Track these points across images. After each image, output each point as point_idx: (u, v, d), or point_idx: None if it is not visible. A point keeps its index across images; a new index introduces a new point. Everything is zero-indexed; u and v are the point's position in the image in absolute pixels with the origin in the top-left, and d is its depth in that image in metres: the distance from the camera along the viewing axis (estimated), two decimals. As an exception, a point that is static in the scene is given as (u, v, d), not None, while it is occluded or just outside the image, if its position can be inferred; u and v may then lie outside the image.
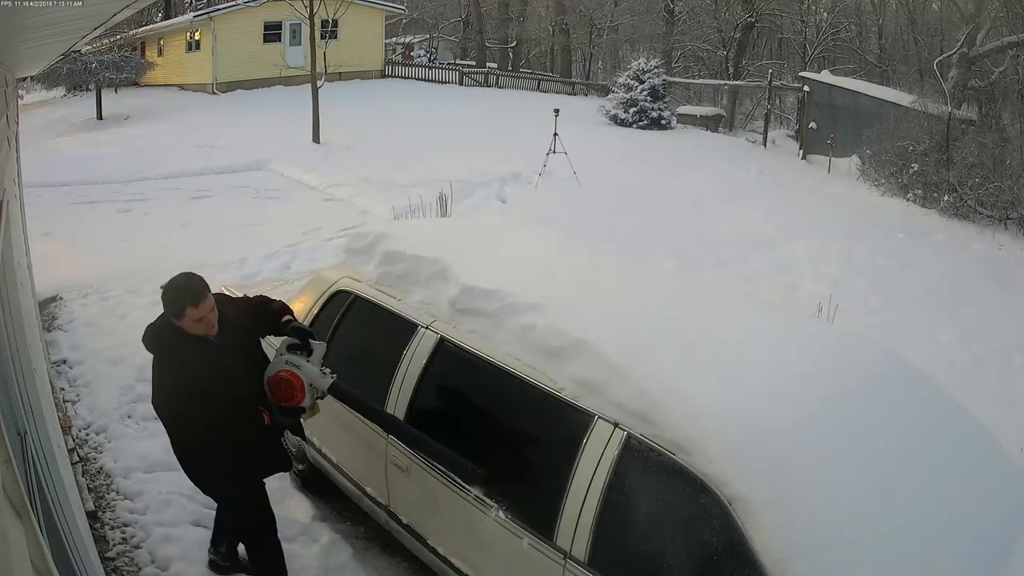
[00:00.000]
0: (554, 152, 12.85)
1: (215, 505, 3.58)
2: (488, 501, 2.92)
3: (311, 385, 3.09)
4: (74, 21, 3.21)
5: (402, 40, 33.96)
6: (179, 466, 3.22)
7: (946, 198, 13.51)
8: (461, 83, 26.58)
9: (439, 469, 3.12)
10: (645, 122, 19.47)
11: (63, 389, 5.28)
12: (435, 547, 3.21)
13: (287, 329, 3.22)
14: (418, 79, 26.54)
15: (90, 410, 5.00)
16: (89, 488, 4.15)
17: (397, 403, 3.35)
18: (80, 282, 7.33)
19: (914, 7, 30.58)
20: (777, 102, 26.20)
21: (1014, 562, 2.44)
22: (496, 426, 3.15)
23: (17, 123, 5.59)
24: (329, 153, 14.61)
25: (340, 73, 21.66)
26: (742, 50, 28.41)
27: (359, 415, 3.30)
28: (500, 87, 27.11)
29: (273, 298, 3.49)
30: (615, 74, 25.42)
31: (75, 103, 21.84)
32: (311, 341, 3.19)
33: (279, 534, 3.39)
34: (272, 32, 23.35)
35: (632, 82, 19.88)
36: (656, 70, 20.29)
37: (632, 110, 19.63)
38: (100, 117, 19.07)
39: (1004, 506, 2.69)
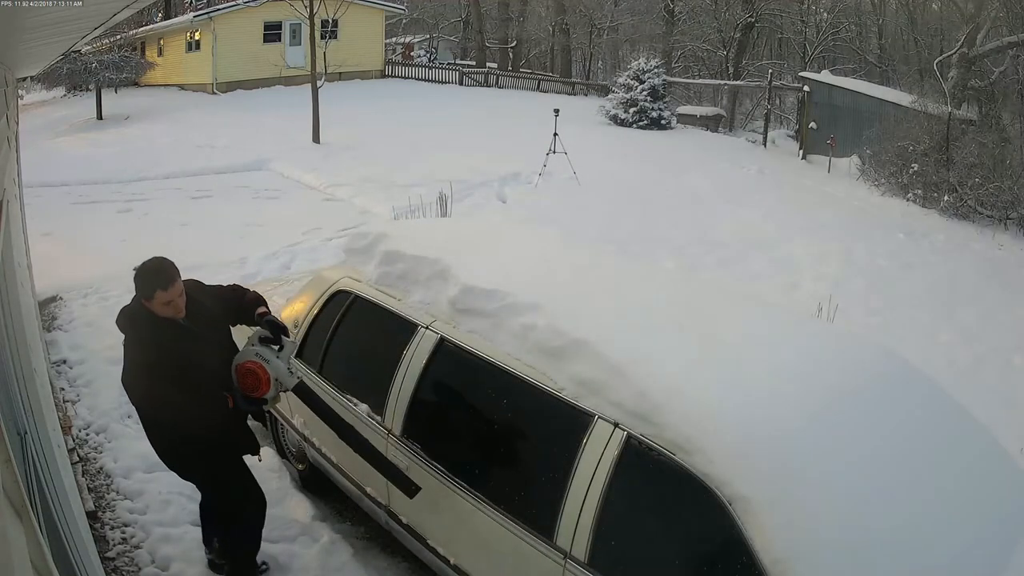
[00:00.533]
0: (554, 152, 12.85)
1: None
2: (488, 501, 2.92)
3: (276, 380, 3.15)
4: (74, 21, 3.21)
5: (402, 40, 33.95)
6: None
7: (946, 198, 13.51)
8: (461, 83, 26.57)
9: (439, 469, 3.12)
10: (645, 122, 19.47)
11: (63, 389, 5.28)
12: (435, 547, 3.21)
13: (261, 321, 3.28)
14: (418, 79, 26.53)
15: (90, 410, 5.00)
16: (89, 488, 4.15)
17: (397, 403, 3.35)
18: (80, 282, 7.33)
19: (914, 7, 30.57)
20: (777, 102, 26.20)
21: (1014, 562, 2.44)
22: (496, 426, 3.14)
23: (17, 123, 5.59)
24: (329, 153, 14.61)
25: (340, 73, 21.66)
26: (742, 50, 28.41)
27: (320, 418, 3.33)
28: (500, 87, 27.10)
29: (247, 288, 3.57)
30: (615, 74, 25.43)
31: (75, 103, 21.84)
32: (283, 337, 3.25)
33: (279, 535, 3.40)
34: (272, 32, 23.35)
35: (632, 82, 19.88)
36: (656, 70, 20.29)
37: (632, 110, 19.63)
38: (100, 117, 19.06)
39: (1004, 506, 2.68)
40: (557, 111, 13.27)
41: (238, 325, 3.45)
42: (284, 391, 3.22)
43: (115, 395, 5.12)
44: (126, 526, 3.91)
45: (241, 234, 9.31)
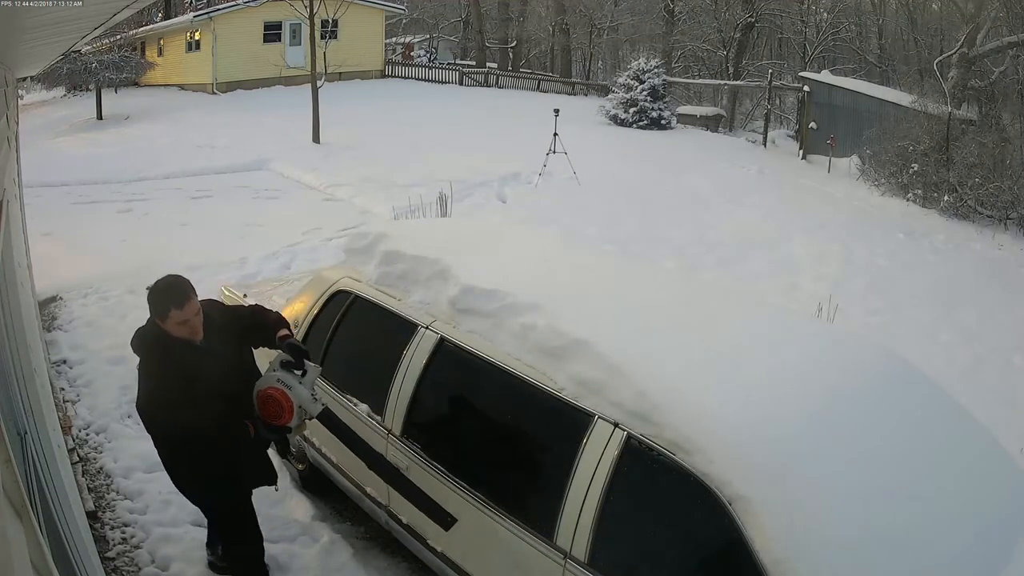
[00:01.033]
0: (554, 152, 12.85)
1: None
2: (488, 500, 2.92)
3: (300, 407, 3.01)
4: (74, 21, 3.21)
5: (402, 40, 33.95)
6: None
7: (946, 198, 13.50)
8: (461, 83, 26.57)
9: (439, 468, 3.12)
10: (645, 122, 19.48)
11: (63, 389, 5.28)
12: (435, 547, 3.21)
13: (282, 345, 3.14)
14: (418, 79, 26.53)
15: (90, 410, 5.00)
16: (89, 488, 4.15)
17: (397, 403, 3.35)
18: (80, 282, 7.33)
19: (914, 7, 30.55)
20: (777, 102, 26.19)
21: (1014, 562, 2.44)
22: (496, 426, 3.15)
23: (17, 123, 5.59)
24: (329, 153, 14.61)
25: (340, 73, 21.66)
26: (742, 50, 28.41)
27: (347, 446, 3.20)
28: (500, 87, 27.11)
29: (270, 309, 3.44)
30: (615, 74, 25.42)
31: (75, 103, 21.84)
32: (306, 362, 3.11)
33: (279, 535, 3.39)
34: (272, 32, 23.35)
35: (632, 82, 19.89)
36: (656, 70, 20.29)
37: (632, 110, 19.64)
38: (100, 117, 19.07)
39: (1004, 506, 2.68)
40: (557, 111, 13.28)
41: (259, 348, 3.32)
42: (308, 419, 3.09)
43: (115, 395, 5.14)
44: (126, 526, 3.91)
45: (241, 234, 9.31)
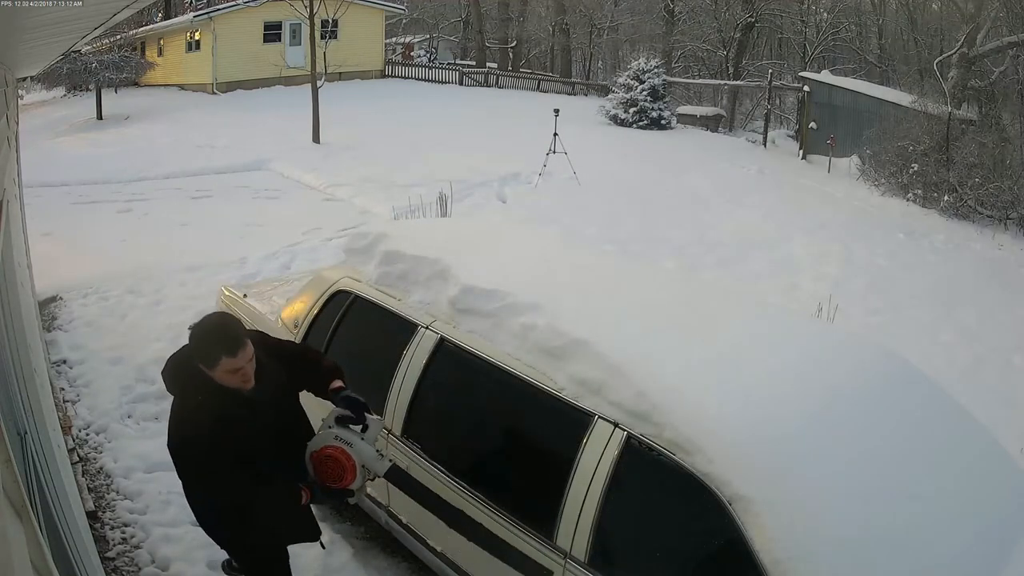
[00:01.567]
0: (554, 152, 12.85)
1: None
2: (488, 500, 2.92)
3: (363, 466, 2.73)
4: (74, 21, 3.21)
5: (402, 40, 33.95)
6: None
7: (946, 198, 13.51)
8: (461, 83, 26.57)
9: (439, 468, 3.12)
10: (645, 122, 19.48)
11: (63, 389, 5.28)
12: (435, 547, 3.21)
13: (337, 398, 2.78)
14: (418, 79, 26.53)
15: (90, 410, 4.99)
16: (89, 488, 4.15)
17: (397, 403, 3.35)
18: (80, 282, 7.32)
19: (914, 7, 30.54)
20: (777, 102, 26.20)
21: (1014, 562, 2.45)
22: (496, 426, 3.15)
23: (17, 123, 5.59)
24: (329, 153, 14.61)
25: (340, 73, 21.66)
26: (742, 50, 28.42)
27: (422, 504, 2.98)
28: (500, 87, 27.11)
29: (323, 355, 3.12)
30: (615, 74, 25.42)
31: (75, 103, 21.83)
32: (367, 415, 2.81)
33: None
34: (272, 32, 23.35)
35: (632, 82, 19.89)
36: (656, 70, 20.30)
37: (632, 110, 19.64)
38: (100, 117, 19.06)
39: (1004, 506, 2.68)
40: (557, 111, 13.28)
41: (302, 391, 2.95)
42: (371, 479, 2.82)
43: (115, 395, 5.14)
44: (126, 526, 3.90)
45: (241, 234, 9.31)
